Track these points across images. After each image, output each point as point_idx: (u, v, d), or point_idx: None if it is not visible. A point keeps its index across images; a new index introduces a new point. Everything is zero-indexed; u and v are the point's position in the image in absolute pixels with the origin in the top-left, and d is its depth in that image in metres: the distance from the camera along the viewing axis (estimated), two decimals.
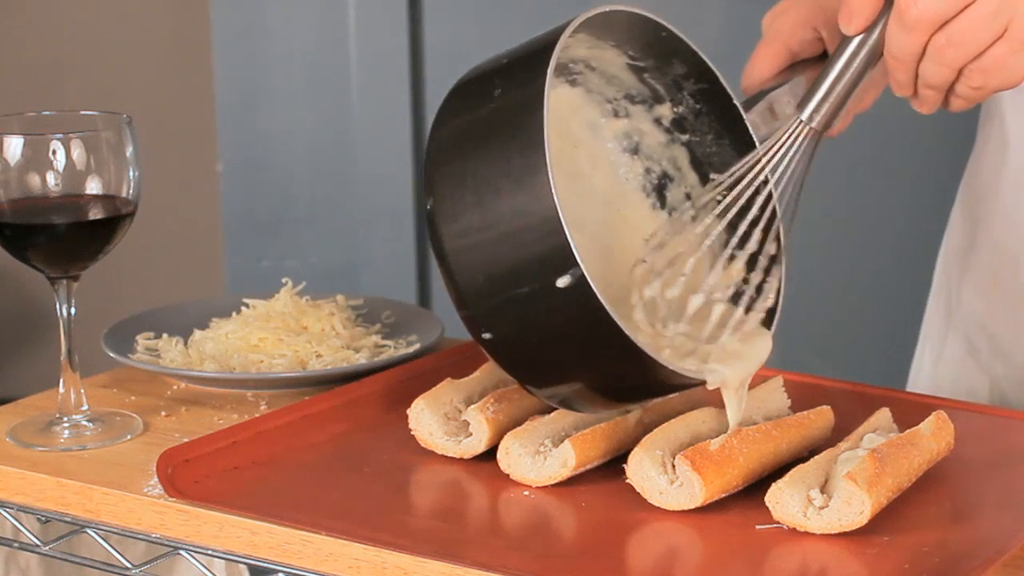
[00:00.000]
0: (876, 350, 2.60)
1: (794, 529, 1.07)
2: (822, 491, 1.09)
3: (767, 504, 1.08)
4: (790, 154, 1.17)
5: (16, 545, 1.23)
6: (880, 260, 2.66)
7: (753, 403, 1.22)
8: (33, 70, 3.41)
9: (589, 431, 1.16)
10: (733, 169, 1.18)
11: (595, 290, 1.06)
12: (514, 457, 1.16)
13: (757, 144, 1.20)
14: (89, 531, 1.18)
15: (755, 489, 1.11)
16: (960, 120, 1.50)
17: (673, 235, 1.17)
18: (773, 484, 1.08)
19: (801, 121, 1.17)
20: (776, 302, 1.20)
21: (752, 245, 1.17)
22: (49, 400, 1.33)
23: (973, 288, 1.47)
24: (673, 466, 1.11)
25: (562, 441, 1.16)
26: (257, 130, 2.79)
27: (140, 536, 1.16)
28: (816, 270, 2.70)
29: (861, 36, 1.14)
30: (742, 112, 1.22)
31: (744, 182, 1.16)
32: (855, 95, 1.17)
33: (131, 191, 1.26)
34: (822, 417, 1.20)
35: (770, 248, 1.19)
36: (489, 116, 1.12)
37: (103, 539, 1.18)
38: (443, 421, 1.22)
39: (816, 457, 1.12)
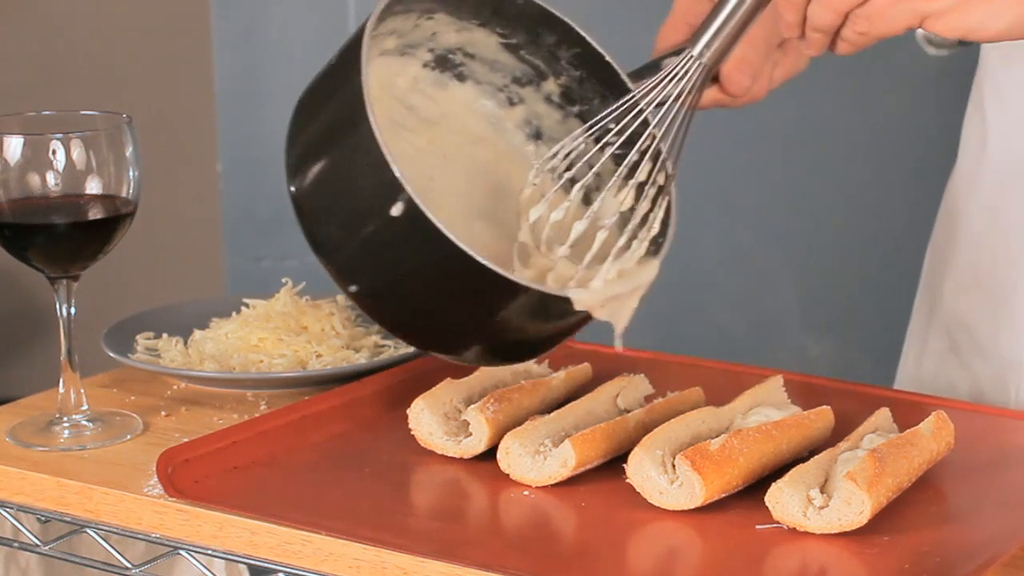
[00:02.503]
0: (870, 348, 2.60)
1: (794, 529, 1.07)
2: (822, 491, 1.09)
3: (767, 504, 1.08)
4: (680, 86, 1.19)
5: (16, 545, 1.23)
6: (875, 257, 2.66)
7: (753, 402, 1.22)
8: (33, 70, 3.41)
9: (589, 431, 1.16)
10: (625, 99, 1.20)
11: (425, 211, 1.08)
12: (514, 457, 1.16)
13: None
14: (89, 531, 1.18)
15: (755, 489, 1.11)
16: (955, 117, 1.51)
17: (562, 160, 1.20)
18: (773, 484, 1.08)
19: (692, 56, 1.19)
20: (664, 232, 1.21)
21: (639, 175, 1.19)
22: (49, 400, 1.33)
23: (953, 285, 1.48)
24: (673, 466, 1.11)
25: (562, 441, 1.16)
26: (257, 130, 2.80)
27: (140, 536, 1.16)
28: (810, 267, 2.71)
29: None
30: (618, 70, 1.24)
31: (633, 113, 1.18)
32: (747, 35, 1.20)
33: (131, 191, 1.26)
34: (822, 417, 1.20)
35: (659, 179, 1.20)
36: (326, 89, 1.17)
37: (103, 539, 1.18)
38: (443, 421, 1.22)
39: (816, 457, 1.12)
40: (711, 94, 1.26)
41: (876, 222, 2.67)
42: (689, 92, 1.19)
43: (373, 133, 1.10)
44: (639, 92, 1.20)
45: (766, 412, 1.21)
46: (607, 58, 1.25)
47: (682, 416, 1.17)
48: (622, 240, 1.19)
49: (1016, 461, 1.21)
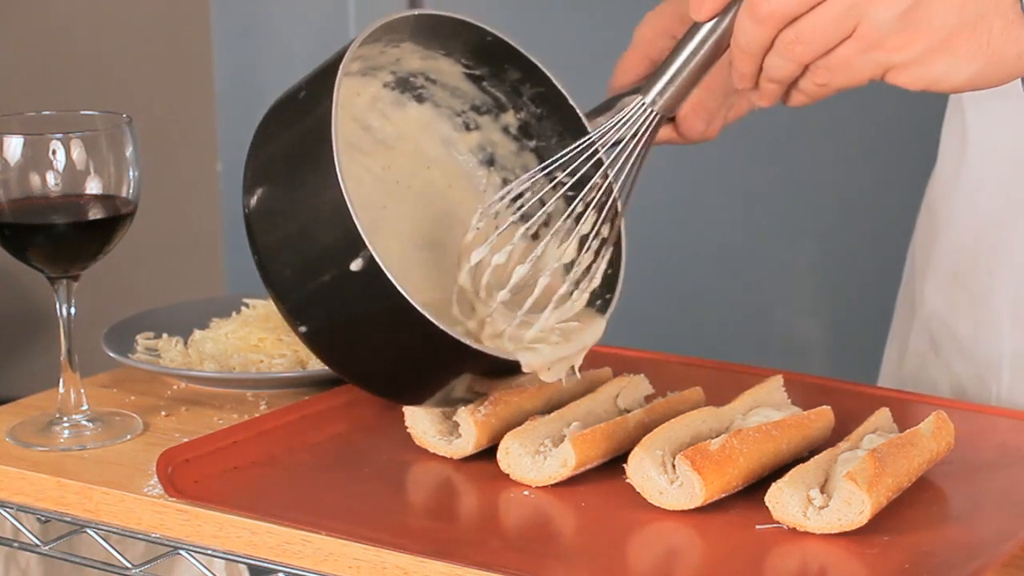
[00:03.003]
0: (860, 348, 2.61)
1: (794, 529, 1.07)
2: (822, 491, 1.09)
3: (767, 504, 1.08)
4: (629, 134, 1.16)
5: (16, 545, 1.23)
6: (870, 258, 2.66)
7: (753, 403, 1.22)
8: (33, 70, 3.41)
9: (589, 431, 1.16)
10: (574, 145, 1.19)
11: (385, 270, 1.08)
12: (514, 457, 1.16)
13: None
14: (89, 531, 1.18)
15: (755, 489, 1.11)
16: (943, 117, 1.51)
17: (506, 207, 1.20)
18: (773, 484, 1.08)
19: (644, 103, 1.16)
20: (609, 284, 1.22)
21: (582, 227, 1.19)
22: (49, 400, 1.33)
23: (934, 284, 1.48)
24: (673, 466, 1.11)
25: (562, 441, 1.16)
26: None
27: (140, 536, 1.16)
28: (810, 267, 2.71)
29: (711, 24, 1.13)
30: (579, 114, 1.24)
31: (583, 158, 1.18)
32: (703, 83, 1.17)
33: (131, 191, 1.26)
34: (822, 417, 1.20)
35: (604, 231, 1.20)
36: (291, 117, 1.16)
37: (103, 539, 1.18)
38: (438, 420, 1.22)
39: (816, 457, 1.12)
40: (665, 133, 1.26)
41: (871, 222, 2.67)
42: (639, 139, 1.16)
43: (339, 184, 1.09)
44: (592, 136, 1.19)
45: (766, 412, 1.21)
46: (570, 101, 1.24)
47: (682, 416, 1.17)
48: (563, 288, 1.19)
49: (1016, 461, 1.21)
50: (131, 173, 1.26)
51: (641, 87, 1.18)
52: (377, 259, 1.08)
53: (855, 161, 2.67)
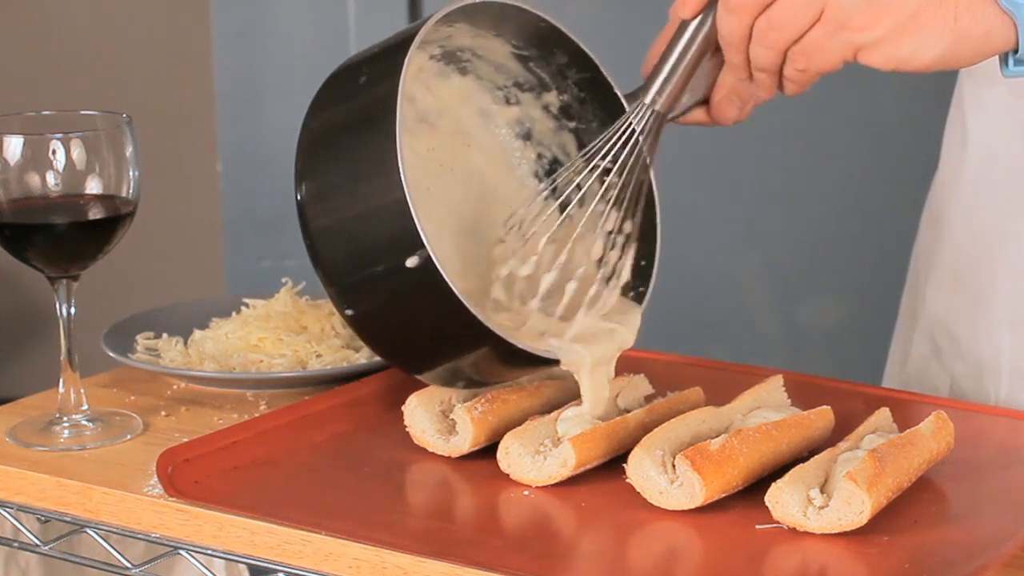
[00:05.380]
0: (863, 350, 2.61)
1: (794, 529, 1.07)
2: (822, 491, 1.09)
3: (767, 504, 1.08)
4: (634, 138, 1.22)
5: (16, 545, 1.23)
6: (869, 259, 2.66)
7: (753, 403, 1.22)
8: (33, 70, 3.41)
9: (589, 431, 1.16)
10: (583, 152, 1.24)
11: (441, 270, 1.11)
12: (514, 457, 1.16)
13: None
14: (89, 531, 1.18)
15: (755, 489, 1.11)
16: (945, 121, 1.51)
17: (530, 216, 1.23)
18: (773, 484, 1.08)
19: (644, 104, 1.22)
20: (639, 279, 1.25)
21: (607, 224, 1.23)
22: (49, 400, 1.33)
23: (935, 287, 1.49)
24: (673, 466, 1.11)
25: (562, 441, 1.16)
26: (257, 130, 2.80)
27: (140, 536, 1.16)
28: (809, 267, 2.71)
29: (696, 21, 1.20)
30: (622, 100, 1.26)
31: (592, 164, 1.22)
32: (700, 75, 1.23)
33: (131, 191, 1.26)
34: (822, 417, 1.20)
35: (626, 227, 1.24)
36: (353, 106, 1.18)
37: (103, 539, 1.18)
38: (438, 418, 1.22)
39: (816, 457, 1.12)
40: (698, 116, 1.28)
41: (871, 224, 2.67)
42: (644, 137, 1.22)
43: (402, 184, 1.11)
44: (596, 144, 1.23)
45: (765, 413, 1.21)
46: (615, 89, 1.27)
47: (682, 416, 1.17)
48: (593, 287, 1.22)
49: (1016, 461, 1.21)
50: (131, 173, 1.26)
51: (640, 88, 1.23)
52: (435, 260, 1.11)
53: (859, 164, 2.67)
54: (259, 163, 2.80)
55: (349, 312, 1.18)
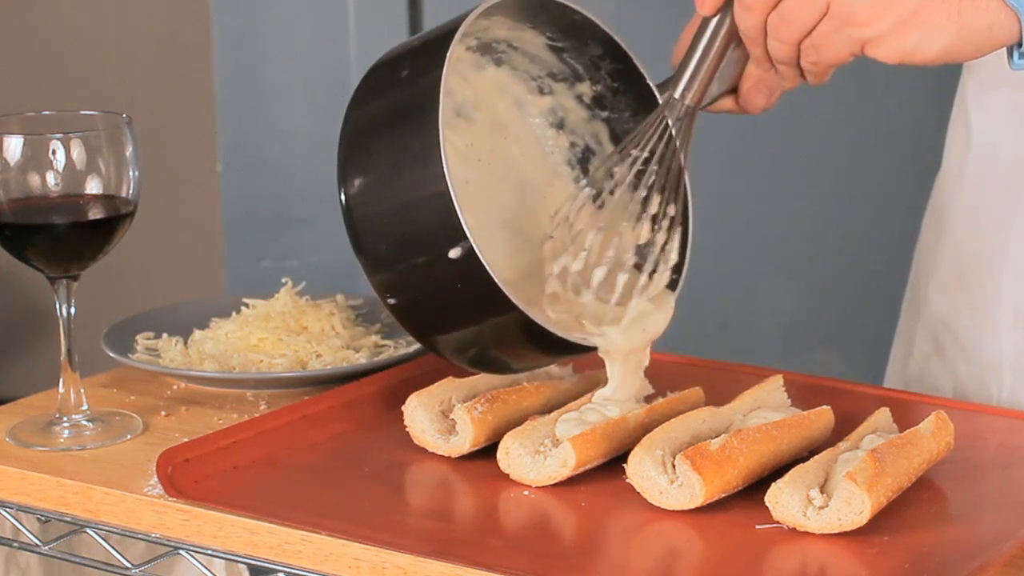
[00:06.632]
0: (865, 349, 2.61)
1: (794, 529, 1.07)
2: (822, 491, 1.09)
3: (767, 504, 1.08)
4: (668, 129, 1.25)
5: (16, 545, 1.23)
6: (872, 259, 2.66)
7: (753, 403, 1.22)
8: (33, 70, 3.41)
9: (589, 431, 1.16)
10: (620, 145, 1.27)
11: (484, 261, 1.13)
12: (514, 457, 1.16)
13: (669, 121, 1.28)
14: (89, 531, 1.18)
15: (755, 489, 1.11)
16: (948, 120, 1.51)
17: (575, 211, 1.25)
18: (773, 484, 1.08)
19: (674, 98, 1.24)
20: (681, 262, 1.29)
21: (648, 212, 1.25)
22: (49, 400, 1.33)
23: (938, 286, 1.49)
24: (673, 466, 1.11)
25: (562, 441, 1.16)
26: (257, 130, 2.79)
27: (140, 536, 1.16)
28: (808, 268, 2.71)
29: (717, 17, 1.23)
30: (655, 91, 1.28)
31: (631, 158, 1.25)
32: (726, 69, 1.26)
33: (131, 191, 1.26)
34: (822, 417, 1.20)
35: (668, 210, 1.27)
36: (395, 98, 1.20)
37: (103, 539, 1.18)
38: (438, 418, 1.22)
39: (816, 457, 1.12)
40: (727, 104, 1.31)
41: (874, 223, 2.67)
42: (676, 131, 1.25)
43: (445, 177, 1.13)
44: (631, 138, 1.25)
45: (765, 413, 1.21)
46: (647, 80, 1.29)
47: (682, 416, 1.17)
48: (644, 274, 1.24)
49: (1016, 461, 1.21)
50: (131, 173, 1.26)
51: (669, 80, 1.26)
52: (478, 252, 1.13)
53: (862, 163, 2.67)
54: (259, 163, 2.80)
55: (392, 301, 1.20)
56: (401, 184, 1.17)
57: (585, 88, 1.32)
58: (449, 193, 1.13)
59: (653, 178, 1.25)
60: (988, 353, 1.43)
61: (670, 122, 1.24)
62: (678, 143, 1.25)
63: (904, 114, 2.59)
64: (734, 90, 1.29)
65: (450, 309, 1.19)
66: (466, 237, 1.13)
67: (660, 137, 1.24)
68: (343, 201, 1.20)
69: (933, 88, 2.54)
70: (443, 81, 1.16)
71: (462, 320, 1.19)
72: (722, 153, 2.61)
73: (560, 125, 1.33)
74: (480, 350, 1.21)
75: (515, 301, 1.14)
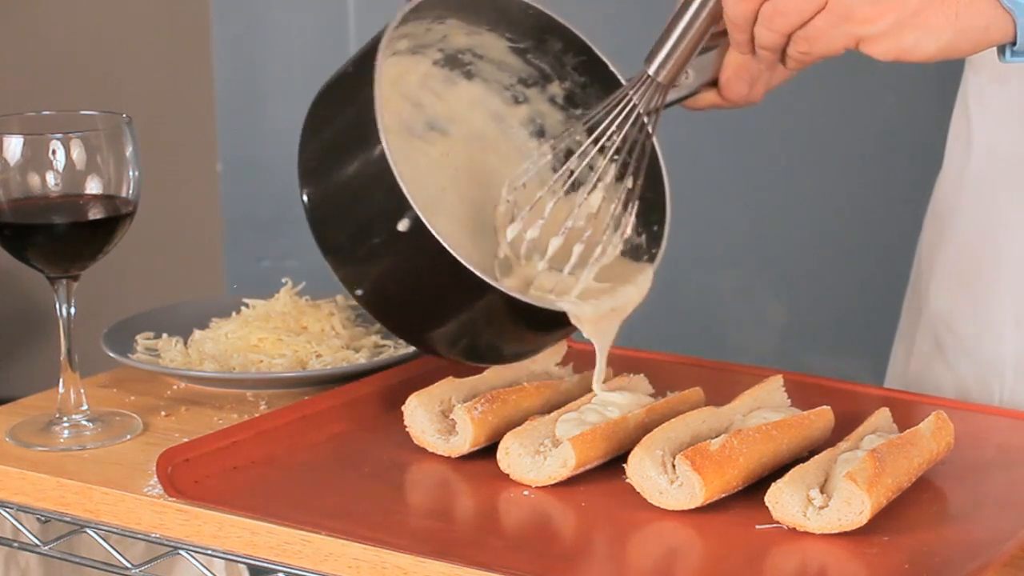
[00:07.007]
0: (867, 349, 2.61)
1: (794, 529, 1.07)
2: (822, 491, 1.09)
3: (767, 504, 1.08)
4: (638, 105, 1.24)
5: (16, 545, 1.23)
6: (872, 258, 2.66)
7: (753, 403, 1.22)
8: (33, 70, 3.41)
9: (589, 431, 1.16)
10: (588, 116, 1.26)
11: (430, 227, 1.14)
12: (514, 457, 1.16)
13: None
14: (89, 531, 1.18)
15: (755, 489, 1.11)
16: (950, 119, 1.51)
17: (534, 177, 1.26)
18: (773, 484, 1.08)
19: (648, 75, 1.24)
20: (655, 243, 1.28)
21: (606, 179, 1.26)
22: (49, 400, 1.33)
23: (939, 285, 1.49)
24: (673, 466, 1.11)
25: (562, 441, 1.16)
26: (257, 130, 2.80)
27: (140, 536, 1.16)
28: (809, 268, 2.71)
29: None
30: (619, 77, 1.29)
31: (598, 131, 1.24)
32: (705, 55, 1.27)
33: (131, 191, 1.26)
34: (822, 417, 1.20)
35: (627, 183, 1.26)
36: (337, 94, 1.23)
37: (103, 539, 1.18)
38: (438, 418, 1.22)
39: (816, 457, 1.12)
40: (710, 98, 1.30)
41: (874, 222, 2.67)
42: (647, 107, 1.24)
43: (384, 153, 1.14)
44: (599, 111, 1.25)
45: (765, 413, 1.21)
46: (611, 67, 1.29)
47: (682, 416, 1.17)
48: (598, 249, 1.24)
49: (1016, 461, 1.21)
50: (131, 173, 1.26)
51: (645, 58, 1.25)
52: (423, 218, 1.13)
53: (863, 162, 2.67)
54: (259, 163, 2.80)
55: (359, 292, 1.21)
56: (349, 170, 1.18)
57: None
58: (390, 168, 1.14)
59: (614, 150, 1.24)
60: (989, 353, 1.44)
61: (640, 98, 1.23)
62: (647, 120, 1.24)
63: (904, 114, 2.59)
64: (714, 83, 1.29)
65: (412, 288, 1.19)
66: (411, 206, 1.13)
67: (626, 111, 1.24)
68: (305, 203, 1.22)
69: (934, 88, 2.54)
70: (380, 56, 1.17)
71: (425, 298, 1.19)
72: (722, 154, 2.61)
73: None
74: (451, 331, 1.21)
75: (469, 265, 1.14)
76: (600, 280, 1.25)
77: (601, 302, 1.23)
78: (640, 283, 1.26)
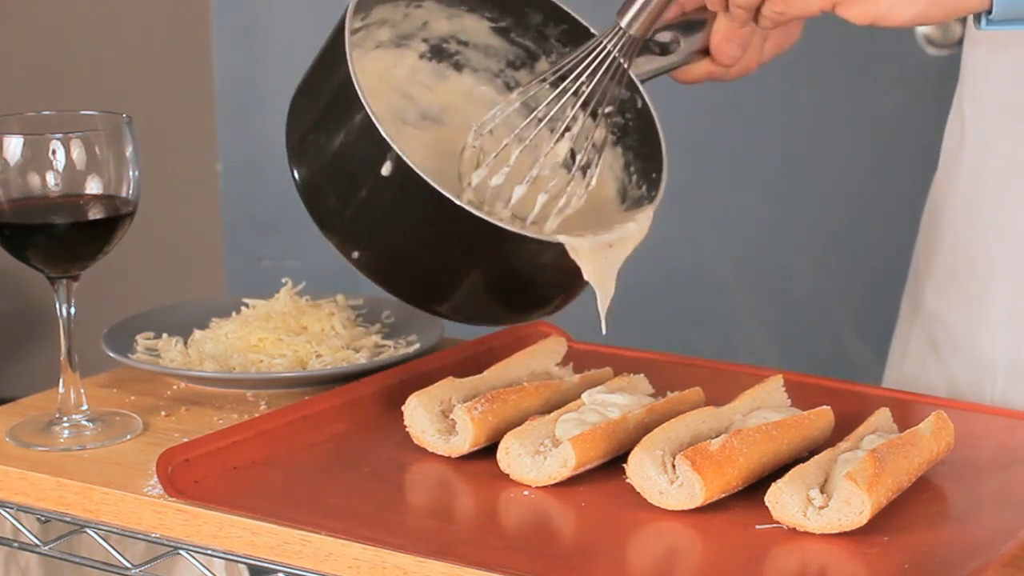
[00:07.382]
0: (865, 348, 2.61)
1: (794, 529, 1.07)
2: (822, 491, 1.09)
3: (767, 504, 1.08)
4: (609, 55, 1.25)
5: (16, 545, 1.23)
6: (872, 257, 2.66)
7: (753, 403, 1.22)
8: (33, 70, 3.41)
9: (589, 431, 1.16)
10: (558, 66, 1.27)
11: (413, 166, 1.14)
12: (514, 457, 1.16)
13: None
14: (89, 531, 1.18)
15: (755, 489, 1.11)
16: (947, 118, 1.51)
17: (500, 124, 1.27)
18: (773, 484, 1.08)
19: (620, 28, 1.25)
20: (654, 189, 1.29)
21: (574, 128, 1.26)
22: (49, 400, 1.33)
23: (934, 284, 1.49)
24: (673, 466, 1.11)
25: (561, 441, 1.16)
26: (257, 130, 2.79)
27: (140, 536, 1.16)
28: (809, 268, 2.71)
29: None
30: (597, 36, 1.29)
31: (568, 79, 1.25)
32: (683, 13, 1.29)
33: (131, 191, 1.26)
34: (822, 417, 1.20)
35: (595, 136, 1.27)
36: (314, 75, 1.24)
37: (103, 539, 1.18)
38: (438, 418, 1.22)
39: (816, 457, 1.12)
40: (703, 67, 1.31)
41: (875, 222, 2.67)
42: (616, 58, 1.25)
43: (360, 99, 1.15)
44: (571, 60, 1.25)
45: (765, 413, 1.21)
46: (592, 31, 1.30)
47: (682, 416, 1.17)
48: (562, 199, 1.25)
49: (1016, 461, 1.21)
50: (131, 173, 1.26)
51: (618, 11, 1.26)
52: (404, 157, 1.13)
53: (862, 161, 2.67)
54: (259, 163, 2.80)
55: (355, 255, 1.21)
56: (333, 138, 1.19)
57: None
58: (368, 114, 1.14)
59: (583, 100, 1.25)
60: (981, 352, 1.44)
61: (613, 51, 1.24)
62: (619, 72, 1.25)
63: (904, 114, 2.59)
64: (707, 52, 1.29)
65: (404, 236, 1.19)
66: (391, 147, 1.13)
67: (597, 60, 1.24)
68: (297, 182, 1.22)
69: (933, 88, 2.54)
70: (349, 18, 1.18)
71: (420, 248, 1.19)
72: (721, 154, 2.61)
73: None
74: (452, 281, 1.21)
75: (451, 197, 1.13)
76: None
77: (599, 236, 1.22)
78: (640, 220, 1.26)
